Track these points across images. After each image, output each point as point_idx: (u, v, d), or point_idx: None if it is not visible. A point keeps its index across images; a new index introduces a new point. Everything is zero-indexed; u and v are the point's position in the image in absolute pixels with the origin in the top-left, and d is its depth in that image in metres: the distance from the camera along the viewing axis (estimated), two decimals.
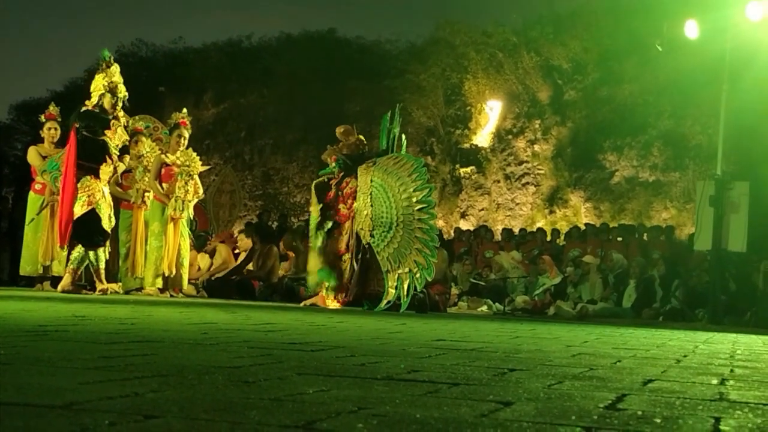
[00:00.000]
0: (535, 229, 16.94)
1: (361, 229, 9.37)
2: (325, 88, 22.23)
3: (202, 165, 10.91)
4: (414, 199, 8.98)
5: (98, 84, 9.70)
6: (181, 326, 4.21)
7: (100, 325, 3.91)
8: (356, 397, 1.76)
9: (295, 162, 23.07)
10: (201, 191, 10.99)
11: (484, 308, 12.82)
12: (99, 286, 9.67)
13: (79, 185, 9.52)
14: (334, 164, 9.82)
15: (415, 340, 4.00)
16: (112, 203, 9.83)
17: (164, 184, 10.67)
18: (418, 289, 8.99)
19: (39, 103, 23.31)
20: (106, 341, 2.98)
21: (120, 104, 9.75)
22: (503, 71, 20.37)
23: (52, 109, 10.98)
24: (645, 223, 16.22)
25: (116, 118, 9.67)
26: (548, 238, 15.90)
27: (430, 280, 9.04)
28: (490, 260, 14.47)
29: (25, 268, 10.65)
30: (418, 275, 8.82)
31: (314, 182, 10.33)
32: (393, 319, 6.86)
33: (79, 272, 9.80)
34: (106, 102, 9.63)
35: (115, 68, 9.84)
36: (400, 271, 8.92)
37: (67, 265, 9.75)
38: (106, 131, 9.56)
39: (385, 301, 9.01)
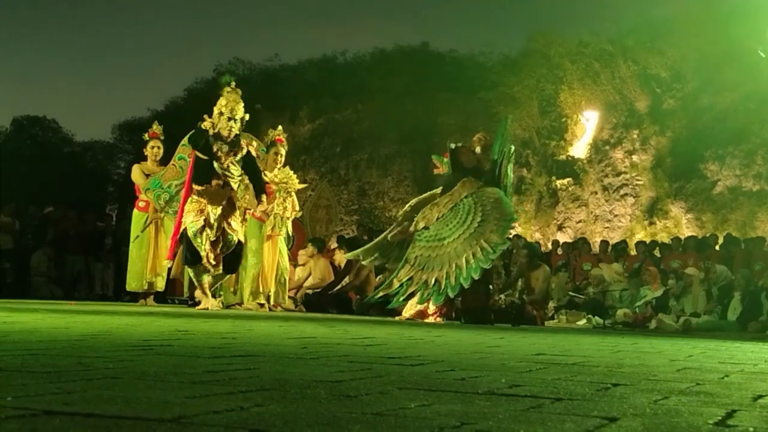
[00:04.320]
0: (634, 242, 16.62)
1: (424, 217, 9.23)
2: (419, 102, 22.28)
3: (299, 183, 11.03)
4: (485, 242, 8.63)
5: (217, 108, 9.72)
6: (281, 340, 4.26)
7: (203, 340, 3.98)
8: (458, 412, 1.74)
9: (390, 176, 23.14)
10: (298, 208, 11.09)
11: (583, 322, 12.63)
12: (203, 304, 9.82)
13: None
14: (445, 160, 9.72)
15: (514, 354, 3.97)
16: (226, 224, 9.84)
17: None
18: (451, 295, 8.69)
19: (141, 122, 23.98)
20: (210, 355, 3.03)
21: (238, 126, 9.68)
22: (599, 81, 20.10)
23: (155, 127, 11.23)
24: (749, 234, 15.77)
25: (231, 143, 9.64)
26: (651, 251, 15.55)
27: (466, 286, 8.53)
28: (588, 273, 14.27)
29: (131, 284, 10.92)
30: (452, 281, 8.44)
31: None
32: (491, 333, 6.82)
33: (204, 285, 9.90)
34: (221, 126, 9.63)
35: (234, 93, 9.79)
36: (424, 276, 8.63)
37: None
38: (220, 153, 9.58)
39: (381, 293, 9.03)
